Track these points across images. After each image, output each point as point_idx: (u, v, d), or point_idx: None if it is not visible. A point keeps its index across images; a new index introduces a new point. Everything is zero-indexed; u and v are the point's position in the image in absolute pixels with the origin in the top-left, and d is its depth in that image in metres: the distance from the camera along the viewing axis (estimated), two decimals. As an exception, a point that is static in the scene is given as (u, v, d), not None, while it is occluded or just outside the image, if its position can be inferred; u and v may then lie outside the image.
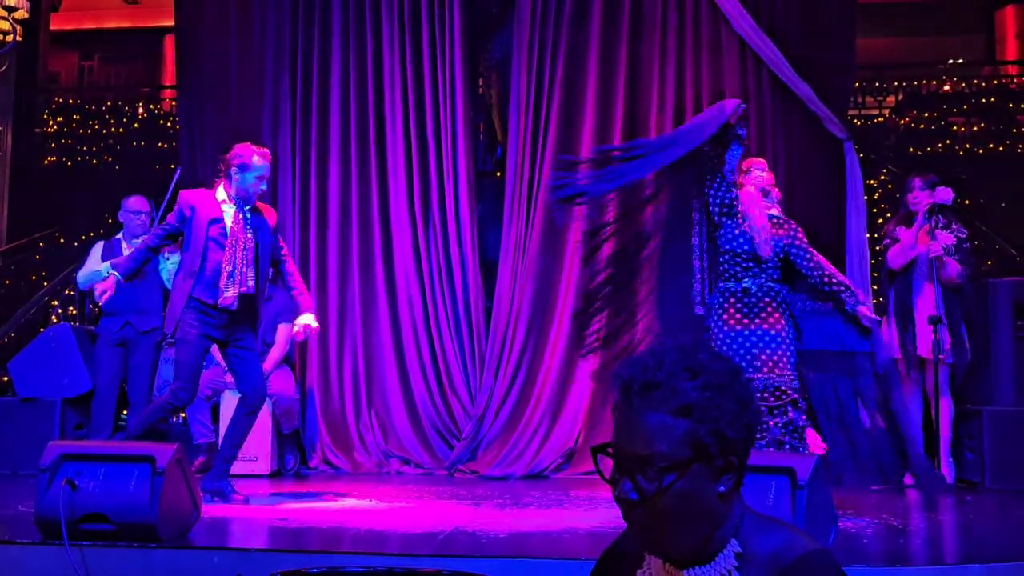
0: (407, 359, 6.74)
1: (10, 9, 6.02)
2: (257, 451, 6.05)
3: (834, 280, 4.75)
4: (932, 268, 5.59)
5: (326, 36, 7.10)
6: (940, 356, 5.57)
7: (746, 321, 4.68)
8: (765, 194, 4.85)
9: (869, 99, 8.96)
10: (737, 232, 4.75)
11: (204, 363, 5.11)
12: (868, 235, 6.92)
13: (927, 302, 5.69)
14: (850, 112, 7.64)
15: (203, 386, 6.09)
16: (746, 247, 4.74)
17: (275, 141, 7.06)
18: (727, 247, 4.76)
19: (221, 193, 4.97)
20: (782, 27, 6.87)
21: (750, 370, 4.57)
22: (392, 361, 6.76)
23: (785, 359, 4.64)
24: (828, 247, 6.77)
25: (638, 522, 1.43)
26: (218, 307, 4.86)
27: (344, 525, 4.31)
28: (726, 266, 4.78)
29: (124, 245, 6.06)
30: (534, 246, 6.68)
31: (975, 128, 8.71)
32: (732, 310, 4.71)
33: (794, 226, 4.86)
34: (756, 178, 4.86)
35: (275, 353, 6.24)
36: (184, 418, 6.34)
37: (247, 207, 4.97)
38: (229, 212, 4.94)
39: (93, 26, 13.92)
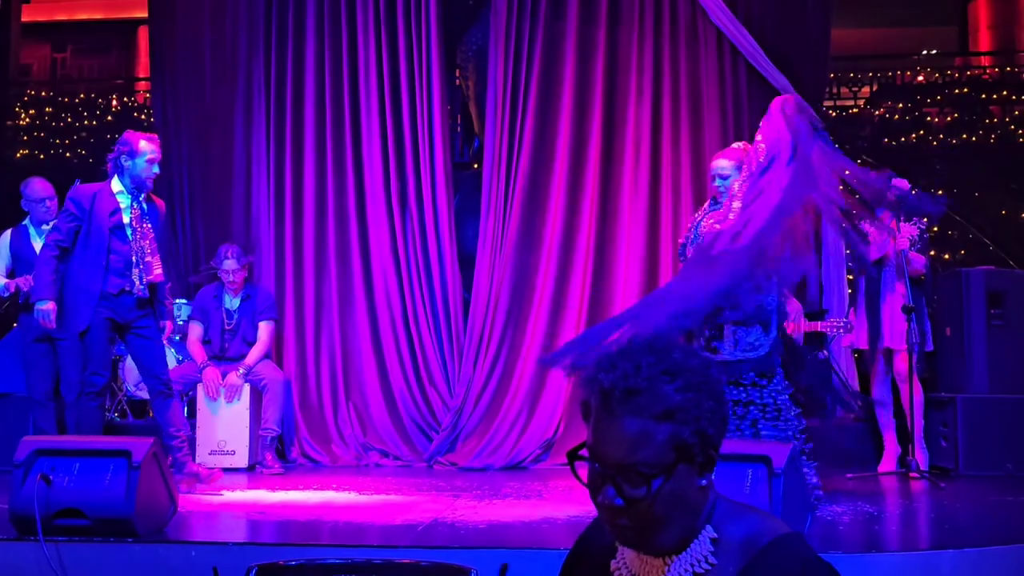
0: (385, 351, 6.73)
1: (-21, 0, 5.94)
2: (235, 445, 6.03)
3: None
4: (901, 260, 5.63)
5: (300, 26, 7.05)
6: (913, 344, 5.61)
7: None
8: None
9: (844, 89, 9.01)
10: None
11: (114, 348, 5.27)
12: (843, 225, 6.96)
13: (895, 294, 5.74)
14: (825, 103, 7.68)
15: (174, 381, 6.05)
16: None
17: (249, 132, 7.02)
18: None
19: (116, 185, 5.07)
20: (758, 17, 6.90)
21: None
22: (370, 353, 6.74)
23: None
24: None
25: (623, 526, 1.43)
26: (127, 293, 5.00)
27: (322, 518, 4.31)
28: None
29: (32, 232, 5.82)
30: (512, 238, 6.68)
31: (949, 119, 8.78)
32: None
33: None
34: None
35: (258, 350, 6.21)
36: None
37: (141, 195, 5.08)
38: (125, 203, 5.05)
39: (65, 18, 13.76)
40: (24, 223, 5.93)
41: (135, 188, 5.06)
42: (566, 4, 6.86)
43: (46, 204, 5.81)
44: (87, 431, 4.96)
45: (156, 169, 5.10)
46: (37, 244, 5.72)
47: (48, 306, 4.94)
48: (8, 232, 5.98)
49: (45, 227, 5.65)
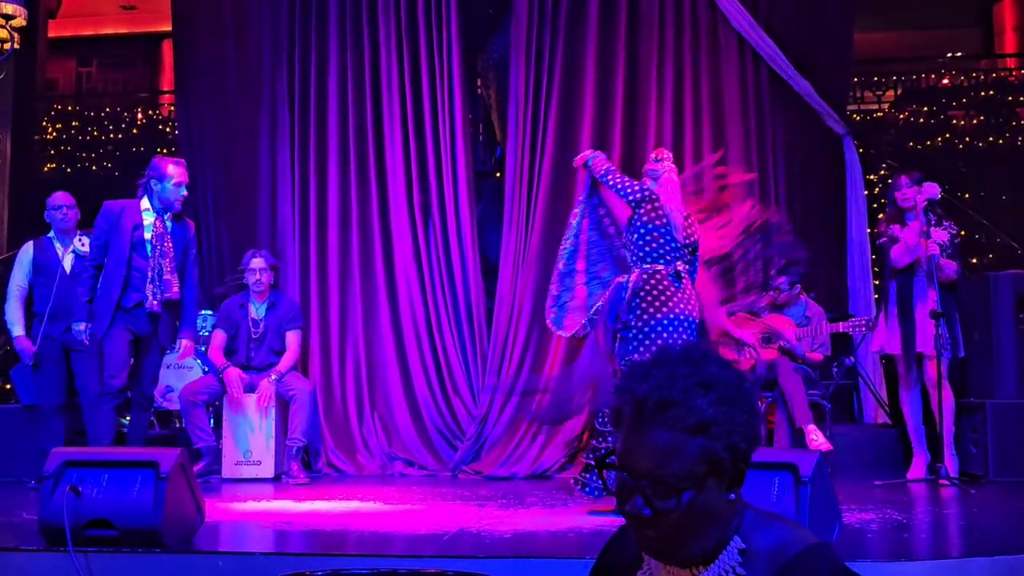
0: (409, 361, 6.74)
1: (7, 17, 6.00)
2: (261, 455, 6.05)
3: None
4: (931, 266, 5.57)
5: (323, 37, 7.10)
6: (943, 350, 5.54)
7: (684, 307, 4.61)
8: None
9: (868, 94, 8.97)
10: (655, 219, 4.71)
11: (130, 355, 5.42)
12: (868, 230, 6.92)
13: (926, 300, 5.68)
14: (849, 107, 7.64)
15: (200, 391, 6.10)
16: (667, 234, 4.69)
17: (273, 143, 7.08)
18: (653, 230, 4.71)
19: (145, 203, 5.40)
20: (780, 22, 6.88)
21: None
22: (394, 363, 6.75)
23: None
24: (828, 242, 6.80)
25: (649, 536, 1.42)
26: (141, 307, 5.28)
27: (348, 527, 4.31)
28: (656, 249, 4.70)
29: (57, 245, 5.96)
30: (534, 245, 6.68)
31: (974, 121, 8.71)
32: (667, 292, 4.62)
33: (694, 220, 4.88)
34: (671, 167, 4.85)
35: (288, 360, 6.22)
36: (182, 423, 6.32)
37: (167, 215, 5.39)
38: (150, 219, 5.37)
39: (91, 32, 13.93)
40: (48, 235, 6.04)
41: (163, 209, 5.38)
42: (587, 13, 6.86)
43: (63, 211, 5.96)
44: (100, 433, 5.13)
45: (184, 191, 5.41)
46: (63, 256, 5.89)
47: (81, 327, 5.28)
48: (30, 244, 6.08)
49: (66, 237, 5.89)
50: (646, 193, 4.74)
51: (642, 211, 4.71)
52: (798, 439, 5.69)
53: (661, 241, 4.67)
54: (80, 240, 5.91)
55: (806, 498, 3.40)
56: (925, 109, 8.81)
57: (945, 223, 5.76)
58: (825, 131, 6.95)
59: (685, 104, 6.85)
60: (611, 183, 4.89)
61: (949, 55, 10.50)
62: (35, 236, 6.19)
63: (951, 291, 5.76)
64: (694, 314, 4.64)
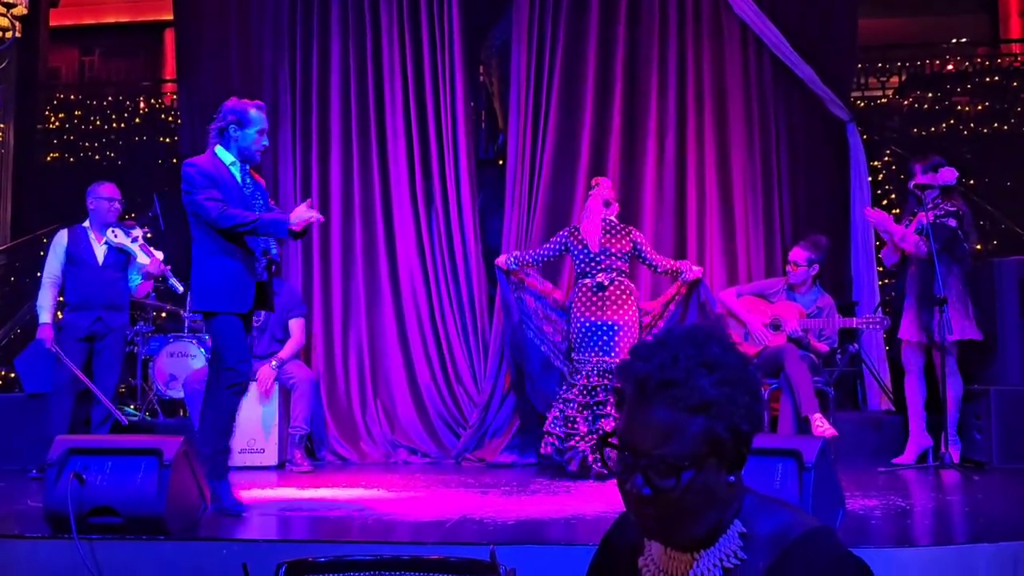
0: (412, 349, 6.75)
1: (9, 5, 5.99)
2: (264, 443, 6.06)
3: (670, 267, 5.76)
4: (930, 252, 5.52)
5: (325, 26, 7.08)
6: (948, 336, 5.51)
7: (599, 313, 5.46)
8: (607, 204, 5.73)
9: (872, 80, 8.91)
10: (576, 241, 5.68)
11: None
12: (872, 216, 6.89)
13: (914, 283, 5.67)
14: (853, 93, 7.60)
15: (203, 380, 6.08)
16: (588, 252, 5.61)
17: (275, 133, 7.05)
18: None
19: (227, 156, 4.40)
20: (783, 8, 6.86)
21: (602, 353, 5.41)
22: (397, 351, 6.76)
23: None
24: (832, 229, 6.78)
25: (648, 516, 1.42)
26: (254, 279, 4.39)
27: (352, 515, 4.32)
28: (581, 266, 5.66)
29: (92, 234, 5.81)
30: (536, 233, 6.67)
31: (979, 107, 8.66)
32: (588, 302, 5.52)
33: (630, 230, 5.73)
34: (598, 192, 5.74)
35: (291, 347, 6.22)
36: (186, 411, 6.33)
37: (249, 167, 4.47)
38: (238, 176, 4.41)
39: (93, 21, 13.89)
40: (83, 224, 5.90)
41: (241, 161, 4.41)
42: (588, 0, 6.84)
43: (114, 204, 5.86)
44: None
45: (266, 141, 4.45)
46: (96, 247, 5.80)
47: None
48: (64, 232, 5.93)
49: (105, 229, 5.75)
50: (567, 239, 5.75)
51: (571, 249, 5.73)
52: (803, 427, 5.68)
53: (586, 260, 5.63)
54: (114, 232, 5.74)
55: (809, 484, 3.40)
56: (929, 95, 8.76)
57: (953, 204, 5.65)
58: (828, 118, 6.92)
59: (687, 92, 6.83)
60: (546, 254, 5.87)
61: (954, 41, 10.44)
62: (42, 226, 6.16)
63: (960, 263, 5.64)
64: (615, 318, 5.45)
